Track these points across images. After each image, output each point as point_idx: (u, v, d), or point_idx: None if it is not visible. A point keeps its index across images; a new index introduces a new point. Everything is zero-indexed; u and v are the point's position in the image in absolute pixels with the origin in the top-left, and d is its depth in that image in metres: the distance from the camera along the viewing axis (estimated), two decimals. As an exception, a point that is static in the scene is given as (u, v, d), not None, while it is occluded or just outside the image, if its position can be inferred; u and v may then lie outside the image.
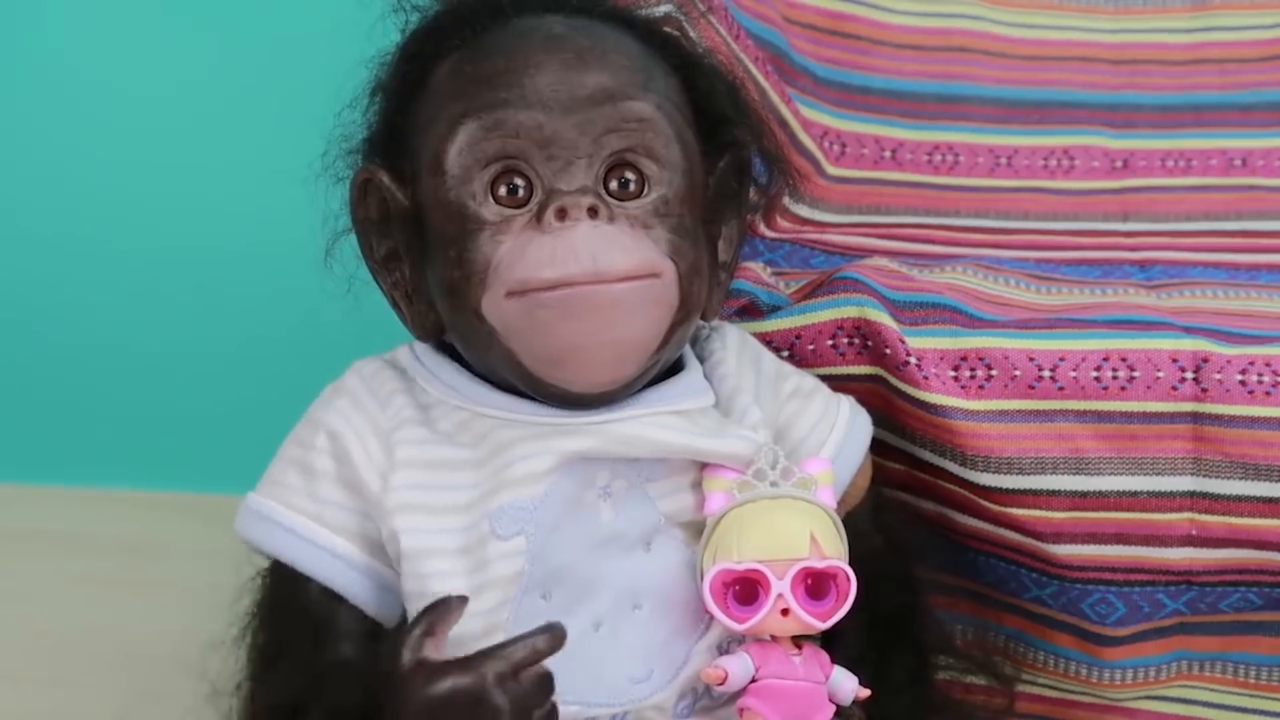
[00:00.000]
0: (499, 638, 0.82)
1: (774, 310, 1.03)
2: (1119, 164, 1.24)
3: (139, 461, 1.55)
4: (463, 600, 0.80)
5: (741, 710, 0.84)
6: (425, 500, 0.84)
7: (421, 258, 0.86)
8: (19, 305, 1.56)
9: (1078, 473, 0.97)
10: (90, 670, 1.26)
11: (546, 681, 0.78)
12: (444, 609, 0.79)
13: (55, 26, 1.53)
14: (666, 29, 0.91)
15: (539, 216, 0.82)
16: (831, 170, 1.22)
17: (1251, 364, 0.98)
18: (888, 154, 1.23)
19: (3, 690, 1.23)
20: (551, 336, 0.81)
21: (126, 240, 1.55)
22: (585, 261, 0.80)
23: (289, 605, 0.87)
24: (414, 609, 0.82)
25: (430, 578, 0.82)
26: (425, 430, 0.85)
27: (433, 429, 0.86)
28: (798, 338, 1.00)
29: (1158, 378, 0.98)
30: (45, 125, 1.54)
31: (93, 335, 1.56)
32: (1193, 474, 0.97)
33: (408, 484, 0.84)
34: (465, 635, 0.82)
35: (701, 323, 0.90)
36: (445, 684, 0.77)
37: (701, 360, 0.90)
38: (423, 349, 0.88)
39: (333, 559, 0.85)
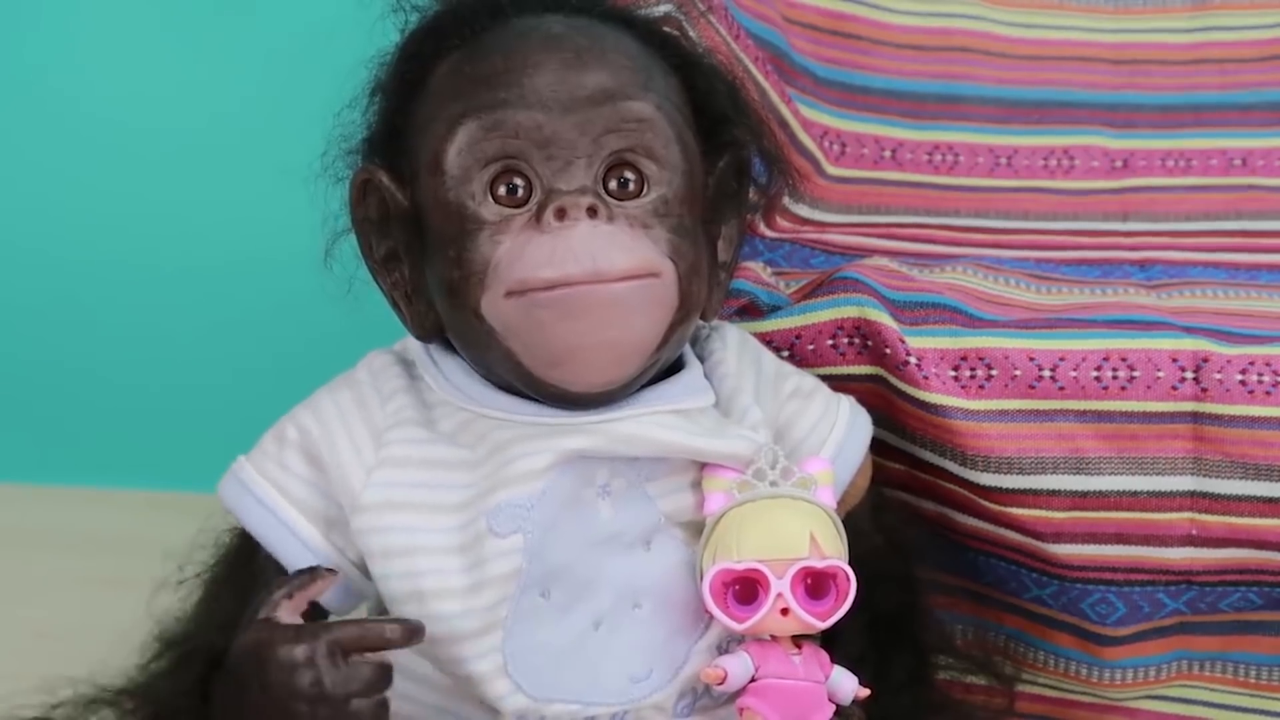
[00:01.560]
0: (498, 636, 0.82)
1: (774, 310, 1.03)
2: (1119, 164, 1.24)
3: (139, 461, 1.55)
4: (331, 572, 0.82)
5: (741, 710, 0.84)
6: (417, 498, 0.84)
7: (421, 258, 0.86)
8: (20, 306, 1.56)
9: (1078, 472, 0.97)
10: (91, 670, 1.26)
11: (381, 673, 0.78)
12: (309, 577, 0.81)
13: (52, 27, 1.53)
14: (666, 29, 0.91)
15: (538, 216, 0.81)
16: (831, 170, 1.22)
17: (1251, 364, 0.98)
18: (888, 154, 1.23)
19: (3, 690, 1.23)
20: (550, 336, 0.81)
21: (126, 242, 1.55)
22: (584, 261, 0.80)
23: (237, 559, 0.88)
24: (407, 610, 0.83)
25: (424, 575, 0.82)
26: (423, 430, 0.85)
27: (433, 429, 0.86)
28: (798, 338, 1.00)
29: (1158, 377, 0.98)
30: (44, 129, 1.54)
31: (93, 335, 1.56)
32: (1193, 474, 0.97)
33: (395, 482, 0.84)
34: (463, 632, 0.82)
35: (701, 322, 0.90)
36: (277, 646, 0.78)
37: (701, 360, 0.90)
38: (434, 345, 0.89)
39: (290, 536, 0.86)
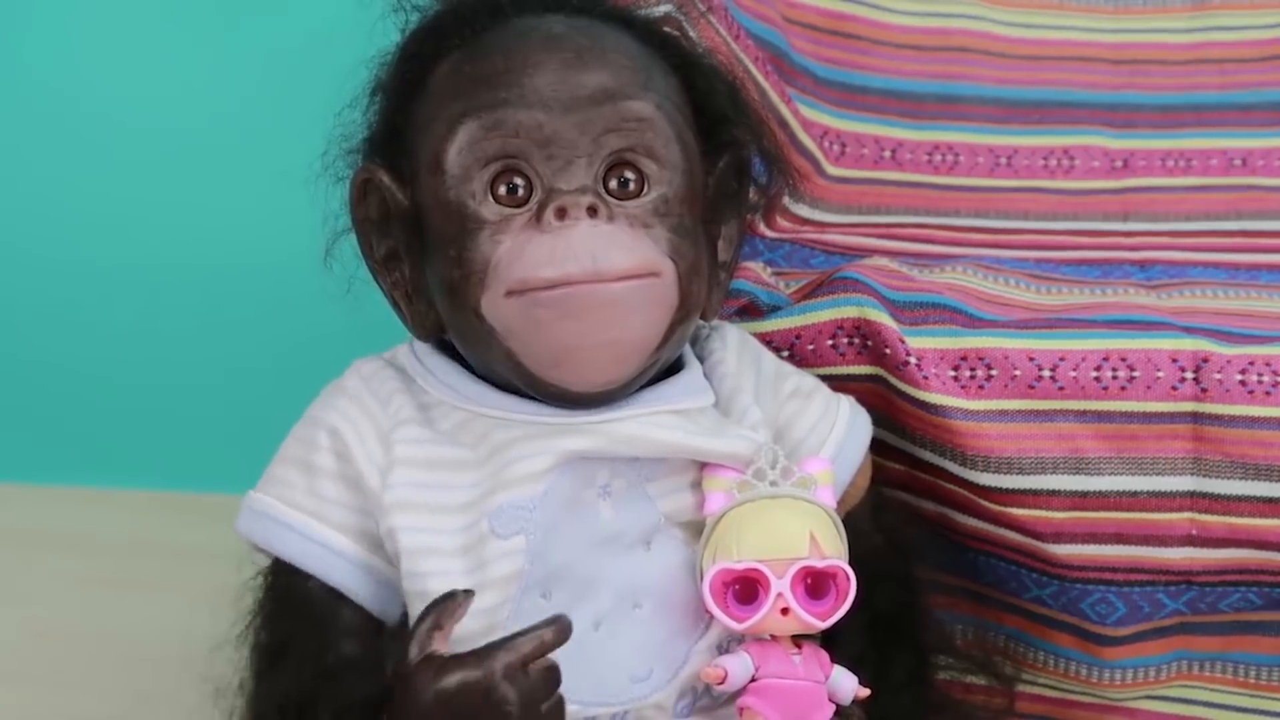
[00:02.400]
0: (498, 637, 0.82)
1: (774, 310, 1.03)
2: (1119, 164, 1.24)
3: (139, 461, 1.55)
4: (469, 594, 0.80)
5: (741, 709, 0.84)
6: (424, 499, 0.84)
7: (421, 257, 0.86)
8: (20, 306, 1.56)
9: (1078, 473, 0.97)
10: (91, 670, 1.26)
11: (554, 674, 0.78)
12: (451, 604, 0.79)
13: (51, 28, 1.53)
14: (666, 29, 0.91)
15: (538, 216, 0.82)
16: (831, 170, 1.22)
17: (1251, 364, 0.98)
18: (888, 154, 1.23)
19: (3, 690, 1.23)
20: (550, 336, 0.81)
21: (126, 242, 1.55)
22: (584, 261, 0.80)
23: (290, 603, 0.87)
24: (414, 608, 0.82)
25: (429, 576, 0.82)
26: (425, 430, 0.85)
27: (433, 429, 0.86)
28: (798, 338, 1.00)
29: (1158, 378, 0.98)
30: (44, 129, 1.54)
31: (93, 336, 1.56)
32: (1193, 474, 0.97)
33: (406, 482, 0.84)
34: (466, 634, 0.82)
35: (701, 322, 0.90)
36: (454, 677, 0.77)
37: (701, 360, 0.90)
38: (422, 349, 0.88)
39: (334, 556, 0.85)
